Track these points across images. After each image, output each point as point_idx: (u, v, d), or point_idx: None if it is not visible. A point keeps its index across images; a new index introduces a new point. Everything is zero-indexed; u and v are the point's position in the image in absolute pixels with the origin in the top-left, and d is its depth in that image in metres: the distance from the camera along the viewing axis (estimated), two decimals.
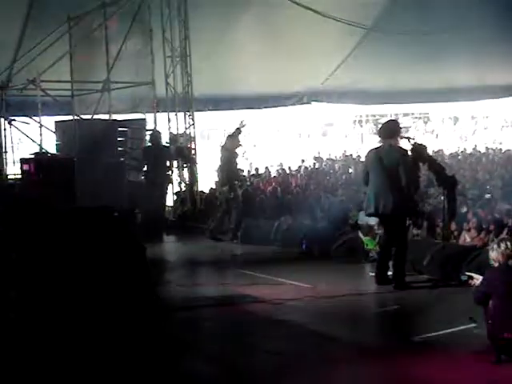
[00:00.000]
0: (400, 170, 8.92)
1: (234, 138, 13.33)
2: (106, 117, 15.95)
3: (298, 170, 20.95)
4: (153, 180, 14.72)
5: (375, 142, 10.27)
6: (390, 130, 9.29)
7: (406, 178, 8.92)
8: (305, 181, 18.75)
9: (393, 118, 23.12)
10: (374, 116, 31.37)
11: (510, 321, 5.89)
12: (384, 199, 9.02)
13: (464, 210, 12.42)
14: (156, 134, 15.30)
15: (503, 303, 5.97)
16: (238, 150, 13.42)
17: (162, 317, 7.62)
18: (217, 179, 16.46)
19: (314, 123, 30.06)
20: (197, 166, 16.30)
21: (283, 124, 29.56)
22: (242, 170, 16.69)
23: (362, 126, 32.35)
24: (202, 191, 16.92)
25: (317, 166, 21.94)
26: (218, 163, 13.54)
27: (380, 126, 9.41)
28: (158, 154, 14.85)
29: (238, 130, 13.41)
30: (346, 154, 24.21)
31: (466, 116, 32.32)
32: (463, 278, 8.92)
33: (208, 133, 27.89)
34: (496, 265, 6.24)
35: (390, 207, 8.99)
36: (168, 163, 15.12)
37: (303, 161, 22.93)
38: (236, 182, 13.73)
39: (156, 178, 14.71)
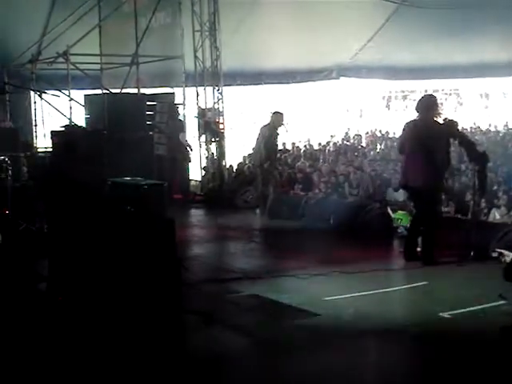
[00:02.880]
0: (436, 144, 8.88)
1: (278, 116, 13.39)
2: (134, 91, 15.99)
3: (326, 146, 20.89)
4: (173, 154, 14.87)
5: (404, 118, 10.22)
6: (428, 104, 9.26)
7: (442, 153, 8.89)
8: (333, 156, 18.69)
9: (423, 93, 22.86)
10: (403, 92, 31.08)
11: None
12: (415, 172, 9.01)
13: (494, 187, 12.33)
14: (172, 108, 15.36)
15: None
16: (279, 128, 13.45)
17: (189, 289, 7.66)
18: (247, 154, 16.48)
19: (342, 99, 29.85)
20: (225, 140, 16.31)
21: (312, 99, 29.40)
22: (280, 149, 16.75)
23: (390, 101, 32.09)
24: (231, 165, 16.95)
25: (346, 142, 21.87)
26: (258, 139, 13.51)
27: (418, 100, 9.42)
28: (174, 128, 14.97)
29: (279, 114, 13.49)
30: (374, 130, 24.09)
31: (497, 92, 31.89)
32: (493, 254, 8.95)
33: (237, 107, 27.82)
34: None
35: (420, 180, 8.96)
36: (184, 137, 15.25)
37: (332, 136, 22.87)
38: (276, 159, 13.92)
39: (175, 152, 14.86)
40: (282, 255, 9.82)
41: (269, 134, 13.24)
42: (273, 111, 13.74)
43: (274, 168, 13.66)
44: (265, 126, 13.43)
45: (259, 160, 13.32)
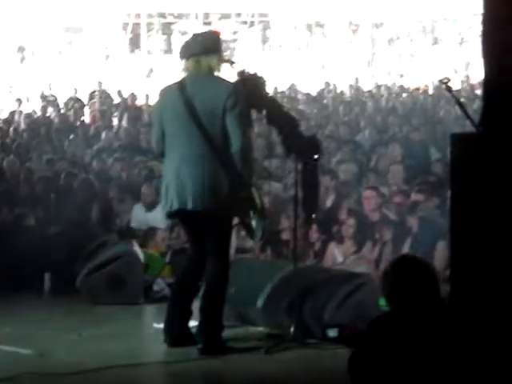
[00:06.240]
0: (228, 122, 9.03)
1: None
2: None
3: (11, 120, 20.94)
4: None
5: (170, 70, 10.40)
6: (204, 44, 9.36)
7: (242, 137, 9.05)
8: (25, 139, 18.79)
9: (200, 21, 23.62)
10: (165, 17, 31.67)
11: None
12: (197, 183, 9.07)
13: (332, 199, 12.84)
14: None
15: None
16: None
17: None
18: None
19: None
20: None
21: None
22: None
23: (139, 36, 32.68)
24: None
25: (47, 112, 22.09)
26: None
27: (185, 40, 9.58)
28: None
29: None
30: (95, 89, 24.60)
31: (336, 23, 33.29)
32: (330, 333, 9.33)
33: None
34: (389, 308, 6.43)
35: (210, 197, 9.09)
36: None
37: (20, 101, 23.00)
38: None
39: None
40: None
41: None
42: None
43: None
44: None
45: None
